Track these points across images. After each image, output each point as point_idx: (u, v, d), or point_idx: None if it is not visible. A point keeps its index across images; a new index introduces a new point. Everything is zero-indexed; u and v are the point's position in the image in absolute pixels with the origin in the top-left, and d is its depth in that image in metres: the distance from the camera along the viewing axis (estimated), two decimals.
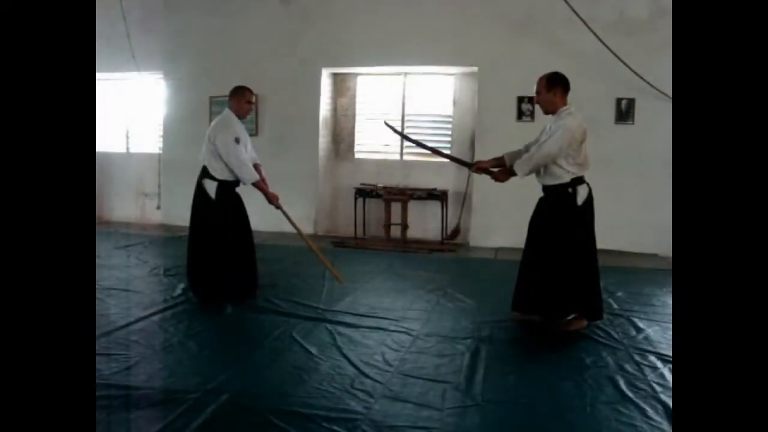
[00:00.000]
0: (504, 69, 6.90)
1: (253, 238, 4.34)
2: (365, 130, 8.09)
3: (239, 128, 4.15)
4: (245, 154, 4.13)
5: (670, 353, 3.20)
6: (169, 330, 3.50)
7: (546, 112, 3.70)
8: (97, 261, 5.07)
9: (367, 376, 2.86)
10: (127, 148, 8.84)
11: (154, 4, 8.04)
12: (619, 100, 6.73)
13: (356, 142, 8.12)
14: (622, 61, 6.40)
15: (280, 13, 7.67)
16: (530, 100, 6.39)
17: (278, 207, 4.26)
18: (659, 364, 3.11)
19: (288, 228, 4.51)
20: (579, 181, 3.59)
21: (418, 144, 4.70)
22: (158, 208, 8.42)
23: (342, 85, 8.11)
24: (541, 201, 3.76)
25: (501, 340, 3.50)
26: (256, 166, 4.23)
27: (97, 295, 4.11)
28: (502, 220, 6.80)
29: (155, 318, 3.73)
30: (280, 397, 2.58)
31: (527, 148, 3.76)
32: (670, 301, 4.39)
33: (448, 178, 7.53)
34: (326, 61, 7.61)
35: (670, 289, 4.64)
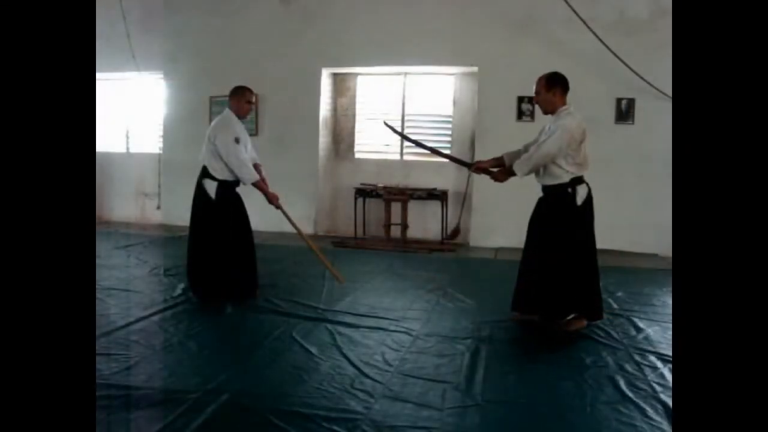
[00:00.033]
0: (504, 69, 6.90)
1: (253, 238, 4.34)
2: (365, 130, 8.09)
3: (239, 128, 4.15)
4: (245, 154, 4.13)
5: (670, 353, 3.20)
6: (169, 330, 3.50)
7: (545, 112, 3.70)
8: (97, 261, 5.07)
9: (367, 376, 2.86)
10: (127, 148, 8.84)
11: (154, 4, 8.04)
12: (619, 100, 6.73)
13: (356, 142, 8.12)
14: (622, 61, 6.40)
15: (280, 13, 7.67)
16: (530, 100, 6.38)
17: (278, 207, 4.26)
18: (659, 364, 3.11)
19: (288, 228, 4.51)
20: (578, 181, 3.59)
21: (418, 144, 4.70)
22: (158, 208, 8.42)
23: (342, 85, 8.11)
24: (540, 201, 3.76)
25: (501, 340, 3.50)
26: (256, 166, 4.23)
27: (97, 295, 4.11)
28: (502, 220, 6.80)
29: (155, 318, 3.73)
30: (280, 397, 2.58)
31: (526, 148, 3.76)
32: (670, 301, 4.39)
33: (448, 178, 7.53)
34: (326, 61, 7.61)
35: (670, 289, 4.64)
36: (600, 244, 3.76)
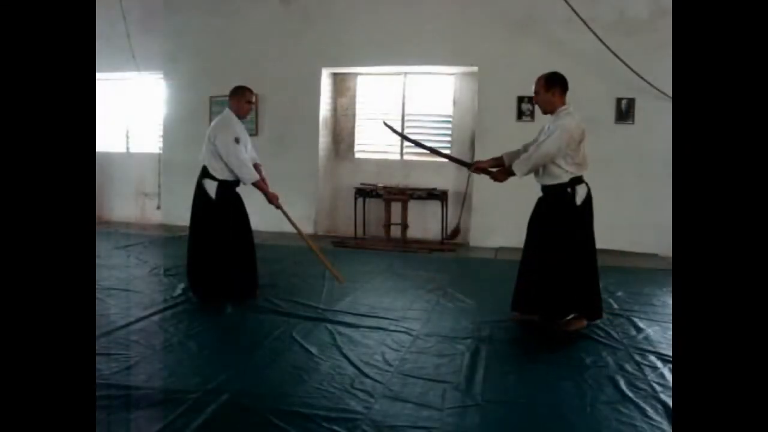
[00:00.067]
0: (504, 69, 6.90)
1: (253, 238, 4.34)
2: (365, 130, 8.10)
3: (239, 128, 4.15)
4: (245, 154, 4.13)
5: (670, 353, 3.20)
6: (169, 330, 3.50)
7: (544, 112, 3.70)
8: (97, 261, 5.07)
9: (367, 376, 2.86)
10: (127, 148, 8.84)
11: (154, 4, 8.04)
12: (619, 100, 6.73)
13: (356, 142, 8.12)
14: (622, 61, 6.40)
15: (280, 13, 7.67)
16: (530, 100, 6.36)
17: (278, 207, 4.26)
18: (659, 364, 3.11)
19: (288, 228, 4.51)
20: (578, 180, 3.59)
21: (417, 144, 4.70)
22: (158, 208, 8.42)
23: (342, 85, 8.11)
24: (540, 201, 3.76)
25: (501, 340, 3.50)
26: (256, 166, 4.23)
27: (97, 295, 4.11)
28: (502, 220, 6.80)
29: (155, 318, 3.73)
30: (280, 397, 2.58)
31: (525, 148, 3.76)
32: (670, 301, 4.39)
33: (448, 178, 7.53)
34: (326, 61, 7.61)
35: (670, 289, 4.64)
36: (600, 244, 3.77)
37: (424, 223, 7.61)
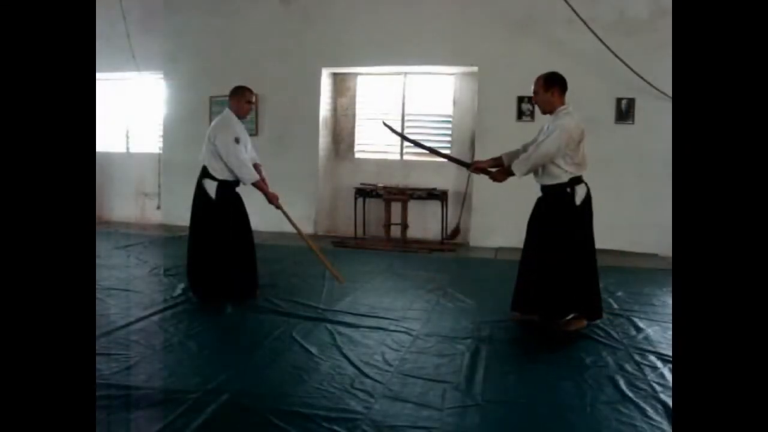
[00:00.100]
0: (504, 69, 6.90)
1: (253, 238, 4.34)
2: (365, 130, 8.09)
3: (239, 128, 4.15)
4: (245, 154, 4.13)
5: (670, 353, 3.20)
6: (169, 330, 3.50)
7: (544, 112, 3.70)
8: (97, 261, 5.07)
9: (367, 376, 2.86)
10: (127, 148, 8.83)
11: (154, 4, 8.04)
12: (619, 100, 6.73)
13: (356, 142, 8.12)
14: (622, 61, 6.40)
15: (280, 13, 7.67)
16: (530, 100, 6.35)
17: (278, 207, 4.26)
18: (659, 364, 3.11)
19: (288, 228, 4.51)
20: (577, 180, 3.59)
21: (417, 144, 4.70)
22: (158, 208, 8.42)
23: (342, 85, 8.11)
24: (539, 201, 3.76)
25: (501, 340, 3.50)
26: (256, 166, 4.23)
27: (97, 295, 4.11)
28: (502, 220, 6.80)
29: (155, 318, 3.73)
30: (280, 397, 2.58)
31: (525, 148, 3.76)
32: (670, 301, 4.39)
33: (448, 178, 7.53)
34: (326, 61, 7.61)
35: (670, 289, 4.64)
36: (600, 244, 3.77)
37: (424, 223, 7.60)
